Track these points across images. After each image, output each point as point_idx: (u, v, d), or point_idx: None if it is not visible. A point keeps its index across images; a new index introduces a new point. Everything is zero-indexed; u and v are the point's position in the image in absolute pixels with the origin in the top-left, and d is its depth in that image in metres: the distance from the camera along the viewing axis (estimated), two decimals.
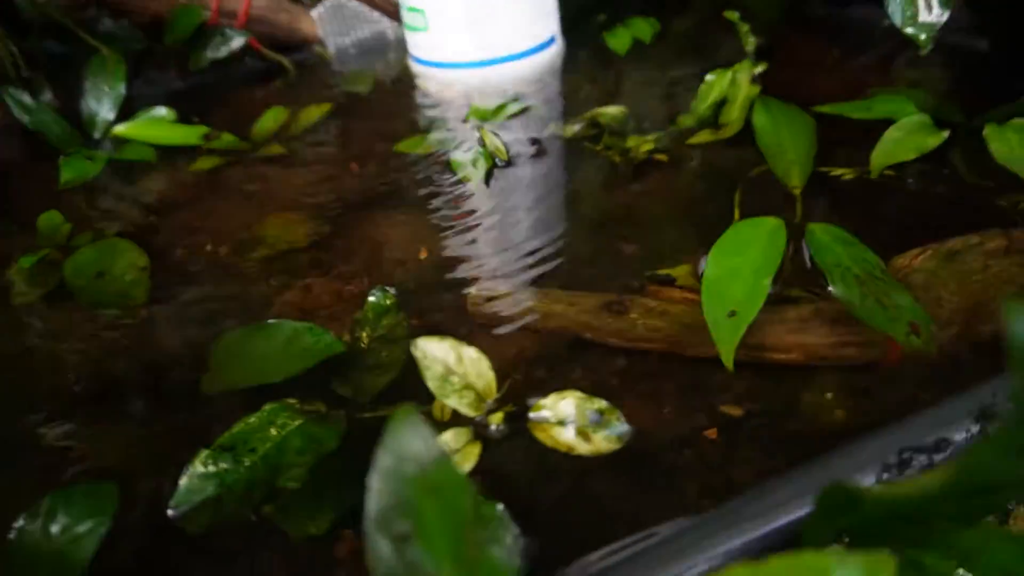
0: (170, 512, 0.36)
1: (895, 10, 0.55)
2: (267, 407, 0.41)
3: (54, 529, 0.36)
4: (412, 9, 0.81)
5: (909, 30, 0.55)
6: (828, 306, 0.46)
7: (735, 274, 0.46)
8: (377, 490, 0.25)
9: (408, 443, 0.26)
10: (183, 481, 0.37)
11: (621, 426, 0.36)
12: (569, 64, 0.89)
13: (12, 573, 0.34)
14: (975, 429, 0.33)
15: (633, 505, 0.38)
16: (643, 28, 0.91)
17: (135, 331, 0.53)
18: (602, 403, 0.37)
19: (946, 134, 0.59)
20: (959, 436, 0.33)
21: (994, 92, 0.65)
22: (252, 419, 0.41)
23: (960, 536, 0.32)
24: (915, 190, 0.56)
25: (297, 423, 0.40)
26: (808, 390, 0.44)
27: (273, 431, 0.40)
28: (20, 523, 0.36)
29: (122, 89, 0.84)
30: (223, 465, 0.38)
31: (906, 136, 0.59)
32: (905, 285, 0.45)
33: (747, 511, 0.33)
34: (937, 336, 0.42)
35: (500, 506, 0.34)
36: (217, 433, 0.40)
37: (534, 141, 0.69)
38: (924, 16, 0.54)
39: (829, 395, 0.44)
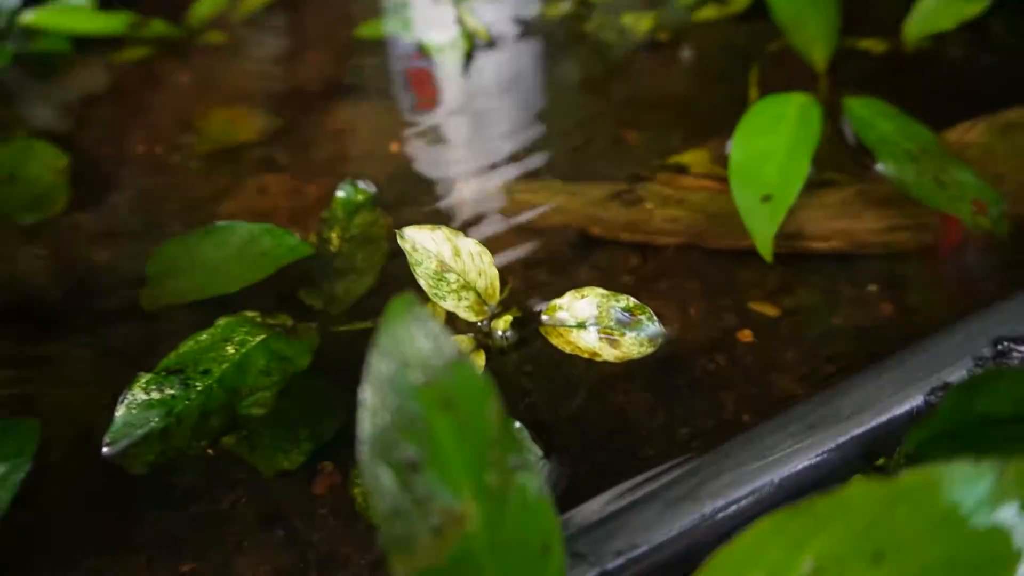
0: (106, 449, 0.29)
1: None
2: (221, 321, 0.34)
3: None
4: None
5: None
6: (873, 188, 0.40)
7: (767, 155, 0.40)
8: (373, 406, 0.19)
9: (412, 342, 0.19)
10: (120, 412, 0.30)
11: (653, 327, 0.30)
12: None
13: None
14: None
15: (663, 417, 0.33)
16: None
17: (56, 241, 0.44)
18: (629, 300, 0.30)
19: (987, 1, 0.52)
20: None
21: None
22: (203, 336, 0.33)
23: None
24: (958, 61, 0.50)
25: (259, 339, 0.33)
26: (849, 283, 0.39)
27: (230, 349, 0.33)
28: None
29: None
30: (169, 391, 0.31)
31: (943, 3, 0.52)
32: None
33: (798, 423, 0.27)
34: (1010, 214, 0.36)
35: (517, 424, 0.28)
36: (161, 355, 0.33)
37: (518, 20, 0.60)
38: None
39: (873, 288, 0.38)
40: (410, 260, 0.30)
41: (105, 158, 0.52)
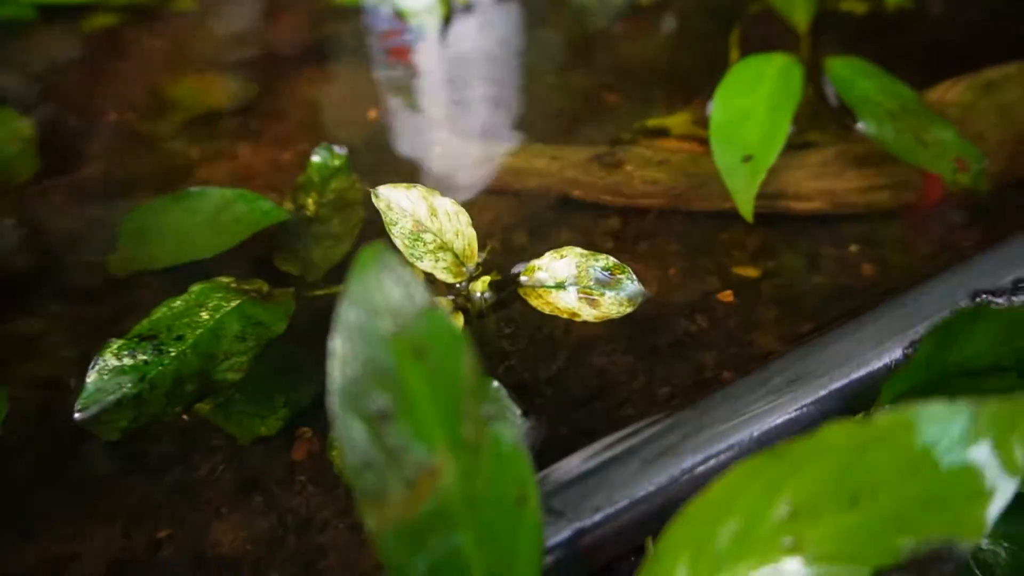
0: (77, 415, 0.29)
1: None
2: (195, 287, 0.33)
3: None
4: None
5: None
6: (854, 148, 0.40)
7: (748, 115, 0.39)
8: (343, 355, 0.18)
9: (382, 290, 0.19)
10: (91, 378, 0.29)
11: (632, 286, 0.30)
12: None
13: None
14: None
15: (643, 378, 0.33)
16: None
17: (22, 210, 0.43)
18: (609, 259, 0.30)
19: None
20: None
21: None
22: (177, 302, 0.33)
23: None
24: (938, 20, 0.49)
25: (234, 304, 0.33)
26: (830, 243, 0.39)
27: (204, 315, 0.32)
28: None
29: None
30: (142, 357, 0.30)
31: None
32: None
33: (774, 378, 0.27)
34: (990, 172, 0.36)
35: (496, 384, 0.27)
36: (133, 323, 0.32)
37: None
38: None
39: (854, 248, 0.38)
40: (385, 220, 0.30)
41: (74, 127, 0.51)
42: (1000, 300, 0.27)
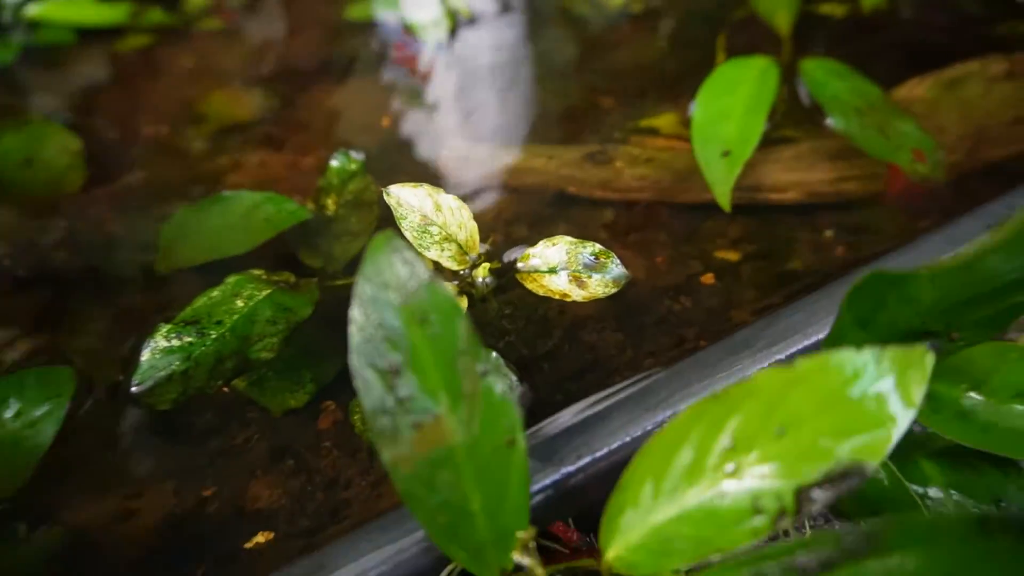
0: (133, 388, 0.33)
1: None
2: (231, 279, 0.38)
3: (7, 415, 0.32)
4: None
5: None
6: (825, 143, 0.43)
7: (726, 114, 0.43)
8: (360, 321, 0.22)
9: (391, 269, 0.23)
10: (145, 356, 0.34)
11: (617, 269, 0.34)
12: None
13: None
14: None
15: (631, 351, 0.36)
16: None
17: (75, 216, 0.48)
18: (595, 246, 0.34)
19: None
20: None
21: None
22: (215, 292, 0.37)
23: (972, 356, 0.30)
24: (909, 21, 0.52)
25: (265, 292, 0.37)
26: (807, 229, 0.42)
27: (239, 303, 0.37)
28: None
29: None
30: (187, 339, 0.35)
31: None
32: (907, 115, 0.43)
33: (743, 344, 0.31)
34: (946, 161, 0.39)
35: (494, 354, 0.31)
36: (176, 312, 0.37)
37: None
38: None
39: (828, 233, 0.42)
40: (396, 215, 0.34)
41: (115, 141, 0.55)
42: None
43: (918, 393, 0.20)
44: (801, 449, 0.21)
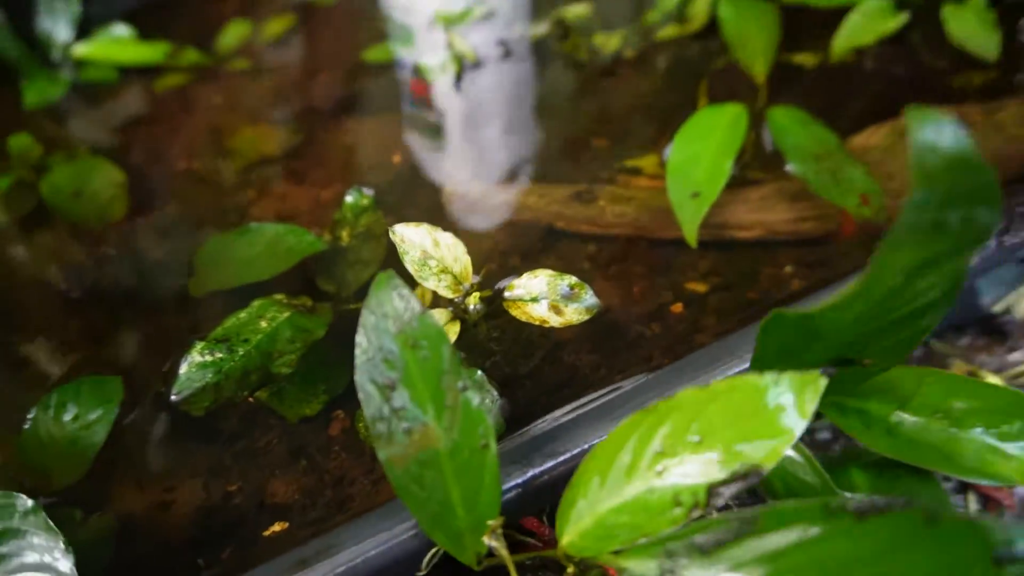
0: (173, 397, 0.39)
1: None
2: (256, 303, 0.43)
3: (66, 418, 0.38)
4: None
5: None
6: (788, 185, 0.48)
7: (697, 158, 0.48)
8: (363, 345, 0.27)
9: (389, 302, 0.28)
10: (183, 369, 0.39)
11: (590, 299, 0.39)
12: None
13: (30, 458, 0.37)
14: None
15: (604, 370, 0.41)
16: None
17: (119, 243, 0.54)
18: (572, 278, 0.39)
19: (905, 16, 0.60)
20: None
21: None
22: (243, 314, 0.43)
23: (898, 379, 0.35)
24: (874, 73, 0.57)
25: (286, 315, 0.43)
26: (769, 264, 0.47)
27: (263, 323, 0.42)
28: (33, 415, 0.38)
29: (76, 8, 0.81)
30: (219, 355, 0.40)
31: (866, 20, 0.60)
32: (862, 162, 0.48)
33: (699, 363, 0.36)
34: (889, 206, 0.44)
35: (479, 372, 0.36)
36: (209, 331, 0.42)
37: (501, 43, 0.69)
38: None
39: (788, 268, 0.47)
40: (399, 250, 0.39)
41: (153, 173, 0.62)
42: None
43: (811, 408, 0.25)
44: (713, 454, 0.25)
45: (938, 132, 0.22)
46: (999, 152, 0.49)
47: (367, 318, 0.28)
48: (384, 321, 0.28)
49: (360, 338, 0.27)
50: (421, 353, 0.28)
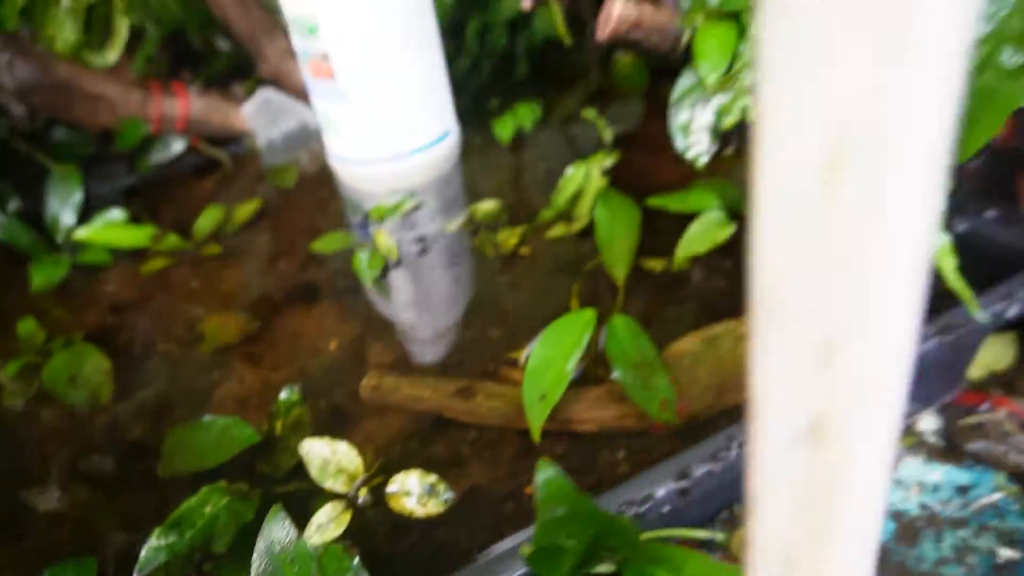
0: (135, 575, 0.52)
1: (678, 139, 0.72)
2: (203, 490, 0.57)
3: None
4: (322, 110, 0.96)
5: (689, 154, 0.71)
6: (615, 387, 0.63)
7: (549, 363, 0.63)
8: (257, 563, 0.41)
9: (276, 532, 0.42)
10: (143, 552, 0.53)
11: (447, 494, 0.52)
12: (465, 153, 1.05)
13: None
14: (675, 485, 0.50)
15: (466, 546, 0.55)
16: (526, 114, 1.07)
17: (104, 426, 0.68)
18: (433, 477, 0.53)
19: (734, 227, 0.76)
20: (661, 492, 0.50)
21: None
22: (192, 501, 0.56)
23: (686, 567, 0.48)
24: (703, 281, 0.73)
25: (224, 502, 0.56)
26: (607, 451, 0.61)
27: (207, 509, 0.56)
28: None
29: (79, 196, 0.98)
30: (171, 538, 0.54)
31: (703, 230, 0.76)
32: (676, 367, 0.62)
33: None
34: (689, 407, 0.58)
35: (356, 559, 0.50)
36: (171, 508, 0.56)
37: (420, 239, 0.85)
38: (698, 147, 0.70)
39: (621, 454, 0.60)
40: (304, 460, 0.53)
41: (136, 357, 0.76)
42: (634, 507, 0.49)
43: None
44: None
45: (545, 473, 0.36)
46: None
47: (260, 544, 0.41)
48: (272, 545, 0.41)
49: (255, 559, 0.41)
50: (295, 567, 0.41)
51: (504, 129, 1.04)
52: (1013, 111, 0.49)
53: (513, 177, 0.98)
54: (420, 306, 0.78)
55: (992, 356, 0.74)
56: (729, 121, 0.68)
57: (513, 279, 0.80)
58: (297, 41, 0.91)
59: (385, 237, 0.83)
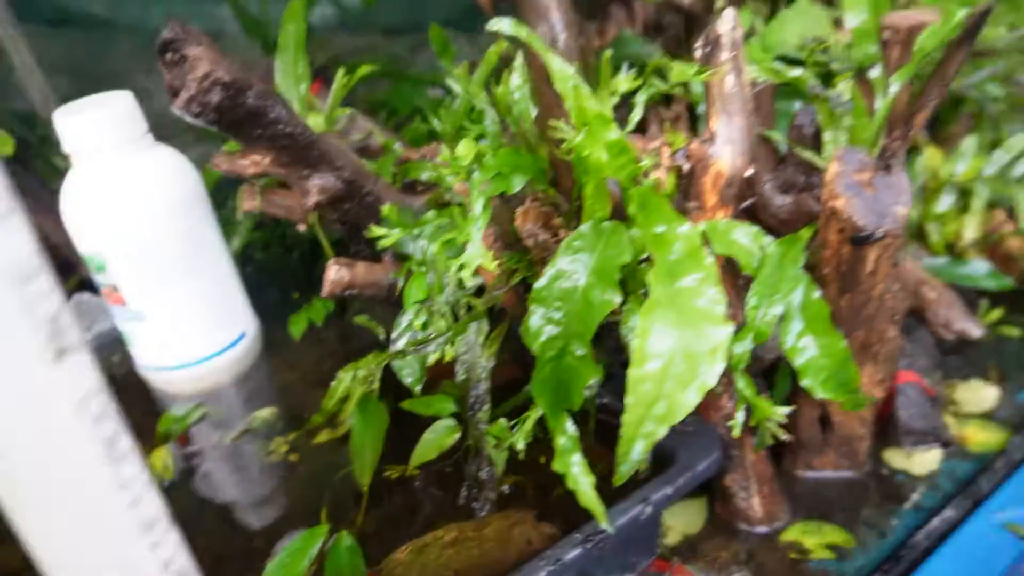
0: None
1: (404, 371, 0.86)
2: None
3: None
4: (121, 328, 1.06)
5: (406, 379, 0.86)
6: None
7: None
8: None
9: None
10: None
11: None
12: (264, 351, 1.16)
13: None
14: None
15: None
16: (319, 309, 1.20)
17: None
18: None
19: (460, 432, 0.90)
20: None
21: None
22: None
23: None
24: (425, 487, 0.87)
25: None
26: None
27: None
28: None
29: None
30: None
31: (434, 437, 0.90)
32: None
33: None
34: None
35: None
36: None
37: (191, 456, 0.95)
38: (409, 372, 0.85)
39: None
40: None
41: None
42: None
43: None
44: None
45: None
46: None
47: None
48: None
49: None
50: None
51: (296, 326, 1.17)
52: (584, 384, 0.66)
53: (299, 376, 1.10)
54: (193, 528, 0.87)
55: (685, 521, 0.90)
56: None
57: (281, 488, 0.91)
58: (91, 273, 1.02)
59: (163, 456, 0.92)
